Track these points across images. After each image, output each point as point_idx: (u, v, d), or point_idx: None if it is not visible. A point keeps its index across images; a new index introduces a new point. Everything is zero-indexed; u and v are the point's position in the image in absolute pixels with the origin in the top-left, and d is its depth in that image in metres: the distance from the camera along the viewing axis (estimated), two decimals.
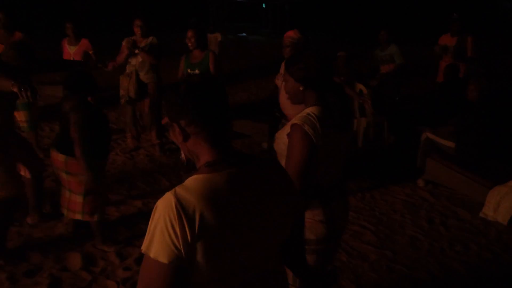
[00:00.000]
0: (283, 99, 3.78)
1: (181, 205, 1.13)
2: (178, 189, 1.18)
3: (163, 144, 5.63)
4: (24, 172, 3.49)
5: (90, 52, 5.51)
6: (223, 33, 10.53)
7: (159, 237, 1.13)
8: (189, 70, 4.71)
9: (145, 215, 3.88)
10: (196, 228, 1.12)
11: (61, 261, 3.25)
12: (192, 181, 1.21)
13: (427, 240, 3.70)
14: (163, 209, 1.14)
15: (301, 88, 2.03)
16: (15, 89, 2.72)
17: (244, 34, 23.70)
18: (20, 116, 4.84)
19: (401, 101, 6.87)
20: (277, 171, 1.37)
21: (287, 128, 2.02)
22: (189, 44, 4.67)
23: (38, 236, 3.52)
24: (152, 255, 1.13)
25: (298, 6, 27.64)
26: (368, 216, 4.06)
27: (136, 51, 5.02)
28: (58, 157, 3.20)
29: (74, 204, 3.27)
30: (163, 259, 1.12)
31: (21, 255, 3.28)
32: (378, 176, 5.01)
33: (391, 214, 4.14)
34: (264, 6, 29.90)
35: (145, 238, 1.17)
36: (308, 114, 1.96)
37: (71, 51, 5.46)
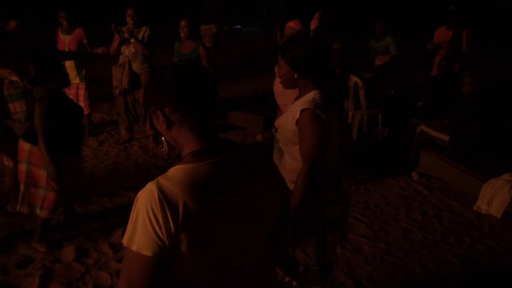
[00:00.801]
0: (277, 88, 3.76)
1: (164, 196, 1.09)
2: (160, 179, 1.14)
3: (157, 135, 5.58)
4: (7, 162, 3.44)
5: (85, 41, 5.43)
6: (217, 25, 10.46)
7: (142, 229, 1.09)
8: (176, 60, 4.66)
9: None
10: (180, 218, 1.09)
11: (54, 252, 3.22)
12: (175, 171, 1.17)
13: (420, 233, 3.71)
14: (145, 200, 1.10)
15: (295, 75, 2.04)
16: (15, 78, 2.66)
17: (239, 26, 23.59)
18: (16, 107, 4.77)
19: (395, 94, 6.86)
20: (262, 159, 1.34)
21: (291, 115, 2.01)
22: (182, 34, 4.63)
23: (30, 228, 3.48)
24: (134, 248, 1.10)
25: None
26: (362, 209, 4.06)
27: (132, 40, 4.95)
28: (23, 146, 3.14)
29: (34, 197, 3.19)
30: (147, 251, 1.09)
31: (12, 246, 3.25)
32: (372, 169, 5.01)
33: (385, 206, 4.14)
34: None
35: (127, 230, 1.12)
36: (314, 97, 1.97)
37: (66, 40, 5.38)
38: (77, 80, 5.38)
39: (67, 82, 3.23)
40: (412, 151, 5.01)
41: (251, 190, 1.25)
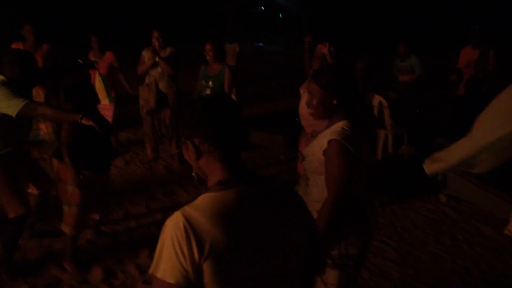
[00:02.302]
0: (303, 109, 3.76)
1: (189, 224, 1.11)
2: (187, 207, 1.16)
3: (182, 154, 5.63)
4: (32, 189, 3.50)
5: (115, 65, 5.57)
6: (240, 44, 10.58)
7: (166, 257, 1.12)
8: (203, 82, 4.73)
9: None
10: (205, 248, 1.10)
11: (82, 273, 3.25)
12: (201, 199, 1.19)
13: (450, 258, 3.62)
14: (171, 228, 1.13)
15: (334, 102, 2.00)
16: (89, 123, 2.69)
17: (261, 44, 23.79)
18: (48, 128, 4.90)
19: (421, 112, 6.77)
20: (288, 192, 1.34)
21: (319, 144, 2.00)
22: (208, 58, 4.69)
23: (58, 248, 3.54)
24: (159, 275, 1.12)
25: (314, 16, 27.69)
26: (389, 232, 3.99)
27: (156, 58, 5.04)
28: (53, 162, 3.23)
29: (63, 213, 3.26)
30: (170, 279, 1.10)
31: (40, 267, 3.30)
32: (398, 190, 4.94)
33: (413, 230, 4.06)
34: (280, 16, 30.01)
35: (154, 257, 1.15)
36: (343, 128, 1.95)
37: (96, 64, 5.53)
38: (107, 101, 5.50)
39: (95, 101, 3.31)
40: (439, 172, 4.91)
41: (277, 220, 1.24)
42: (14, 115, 2.75)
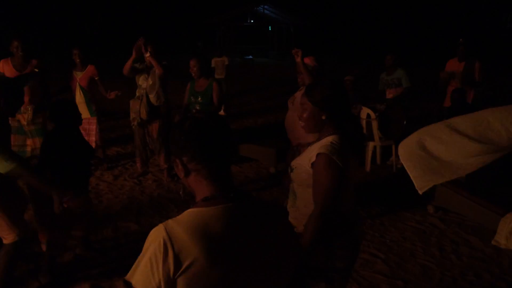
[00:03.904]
0: (288, 122, 3.79)
1: (170, 240, 1.14)
2: (170, 221, 1.19)
3: (171, 168, 5.63)
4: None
5: (96, 78, 5.58)
6: (229, 56, 10.66)
7: (142, 268, 1.16)
8: (192, 99, 4.73)
9: None
10: (183, 264, 1.13)
11: None
12: (186, 214, 1.22)
13: (439, 269, 3.64)
14: (152, 240, 1.17)
15: (323, 117, 2.03)
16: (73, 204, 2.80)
17: (250, 57, 23.95)
18: (36, 143, 4.87)
19: (409, 124, 6.85)
20: (274, 211, 1.35)
21: (308, 157, 2.02)
22: (193, 74, 4.69)
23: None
24: (133, 282, 1.17)
25: (304, 29, 27.97)
26: (378, 244, 4.01)
27: (147, 55, 5.01)
28: None
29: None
30: None
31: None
32: (387, 202, 4.97)
33: (402, 241, 4.08)
34: (270, 28, 30.29)
35: (134, 264, 1.20)
36: (332, 142, 1.97)
37: (78, 76, 5.53)
38: (87, 115, 5.47)
39: (78, 122, 3.31)
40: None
41: (262, 239, 1.25)
42: (2, 171, 2.73)
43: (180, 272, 1.12)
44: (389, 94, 6.60)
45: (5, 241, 2.98)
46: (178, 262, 1.12)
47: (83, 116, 5.43)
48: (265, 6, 27.21)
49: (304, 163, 2.04)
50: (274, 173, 5.85)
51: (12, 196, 3.02)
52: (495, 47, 21.49)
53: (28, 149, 4.92)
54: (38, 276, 3.29)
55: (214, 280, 1.15)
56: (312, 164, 1.98)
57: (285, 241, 1.30)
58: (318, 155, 1.95)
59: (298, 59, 3.75)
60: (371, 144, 6.05)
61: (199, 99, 4.64)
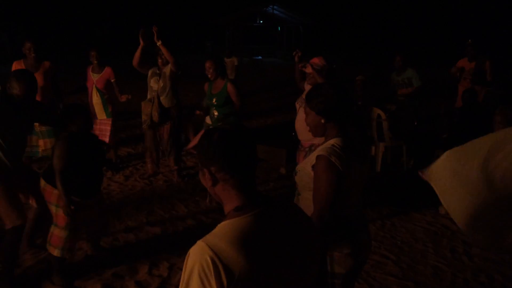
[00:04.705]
0: (299, 124, 3.79)
1: (217, 257, 1.16)
2: (209, 237, 1.22)
3: (181, 169, 5.66)
4: (32, 202, 3.52)
5: (112, 80, 5.61)
6: (239, 57, 10.66)
7: None
8: (208, 101, 4.70)
9: (164, 243, 3.90)
10: (235, 276, 1.15)
11: None
12: (222, 227, 1.25)
13: (450, 271, 3.61)
14: (197, 260, 1.17)
15: (322, 121, 2.05)
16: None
17: (259, 57, 23.95)
18: (47, 144, 4.92)
19: (419, 124, 6.81)
20: (298, 213, 1.41)
21: (310, 160, 2.02)
22: (209, 75, 4.66)
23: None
24: None
25: (313, 29, 27.91)
26: (389, 245, 3.99)
27: (159, 42, 4.97)
28: (41, 182, 3.26)
29: (48, 233, 3.28)
30: None
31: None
32: (398, 202, 4.94)
33: (413, 243, 4.06)
34: (279, 29, 30.26)
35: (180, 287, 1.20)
36: (333, 145, 1.98)
37: (94, 78, 5.57)
38: (104, 116, 5.55)
39: (90, 127, 3.32)
40: None
41: (291, 242, 1.31)
42: None
43: (234, 283, 1.15)
44: (401, 92, 6.56)
45: (6, 227, 3.15)
46: (230, 275, 1.15)
47: (99, 117, 5.57)
48: (274, 6, 27.19)
49: (306, 166, 2.05)
50: (284, 173, 5.84)
51: (12, 185, 3.21)
52: (506, 46, 21.26)
53: (40, 149, 4.98)
54: (50, 277, 3.33)
55: (261, 284, 1.20)
56: (313, 166, 1.98)
57: (310, 239, 1.37)
58: (317, 157, 1.95)
59: (296, 60, 3.86)
60: (381, 145, 6.02)
61: (214, 101, 4.61)
